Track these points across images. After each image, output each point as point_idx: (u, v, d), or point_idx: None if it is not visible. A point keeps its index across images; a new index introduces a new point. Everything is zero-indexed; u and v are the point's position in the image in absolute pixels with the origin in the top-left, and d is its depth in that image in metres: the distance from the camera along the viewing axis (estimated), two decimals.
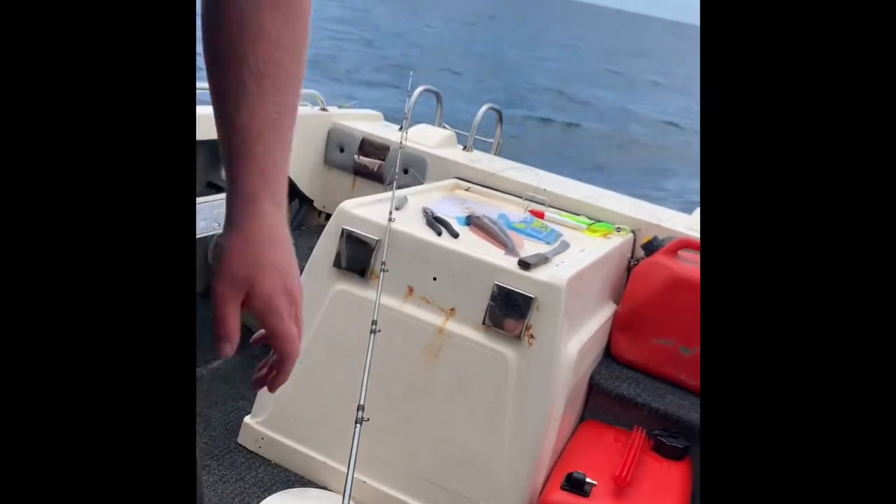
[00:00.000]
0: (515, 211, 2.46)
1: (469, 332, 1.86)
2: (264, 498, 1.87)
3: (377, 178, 2.87)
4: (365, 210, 2.00)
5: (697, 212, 2.63)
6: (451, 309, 1.89)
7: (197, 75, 0.87)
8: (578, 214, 2.54)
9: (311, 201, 2.99)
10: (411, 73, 2.71)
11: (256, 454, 2.03)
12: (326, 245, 1.99)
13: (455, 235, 1.97)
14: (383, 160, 2.85)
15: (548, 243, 2.15)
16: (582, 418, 2.26)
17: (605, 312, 2.32)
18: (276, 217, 0.91)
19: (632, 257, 2.51)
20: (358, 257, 1.95)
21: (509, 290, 1.81)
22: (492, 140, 3.36)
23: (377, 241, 1.92)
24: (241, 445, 2.04)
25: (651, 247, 2.41)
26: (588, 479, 1.77)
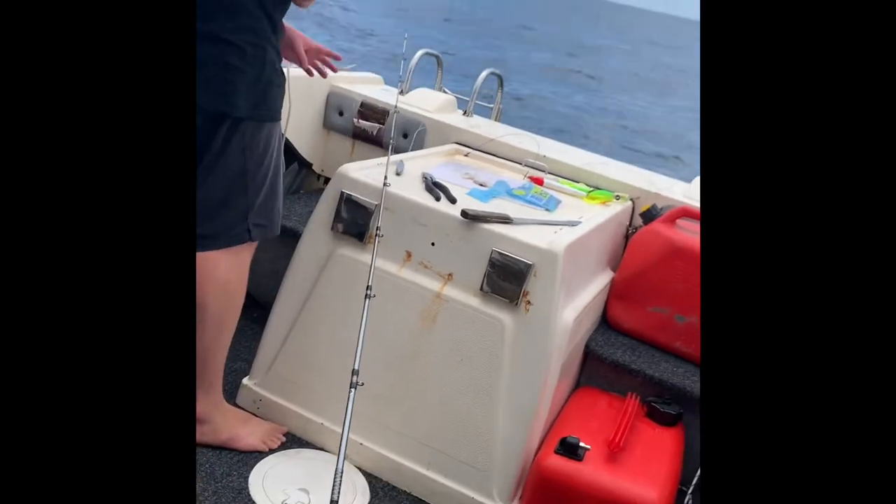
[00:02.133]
0: (514, 177, 2.45)
1: (466, 297, 1.87)
2: (261, 459, 1.90)
3: (376, 142, 2.86)
4: (364, 174, 1.99)
5: (696, 181, 2.62)
6: (449, 274, 1.89)
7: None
8: (577, 181, 2.53)
9: (310, 165, 2.98)
10: (406, 36, 2.68)
11: (254, 415, 2.05)
12: (325, 208, 1.99)
13: (453, 201, 1.96)
14: (382, 124, 2.83)
15: (547, 210, 2.15)
16: (577, 384, 2.28)
17: (603, 280, 2.33)
18: None
19: (630, 225, 2.52)
20: (356, 221, 1.95)
21: (507, 256, 1.82)
22: (492, 105, 3.34)
23: (376, 205, 1.92)
24: (239, 406, 2.06)
25: (649, 215, 2.41)
26: (582, 444, 1.79)
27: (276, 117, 1.81)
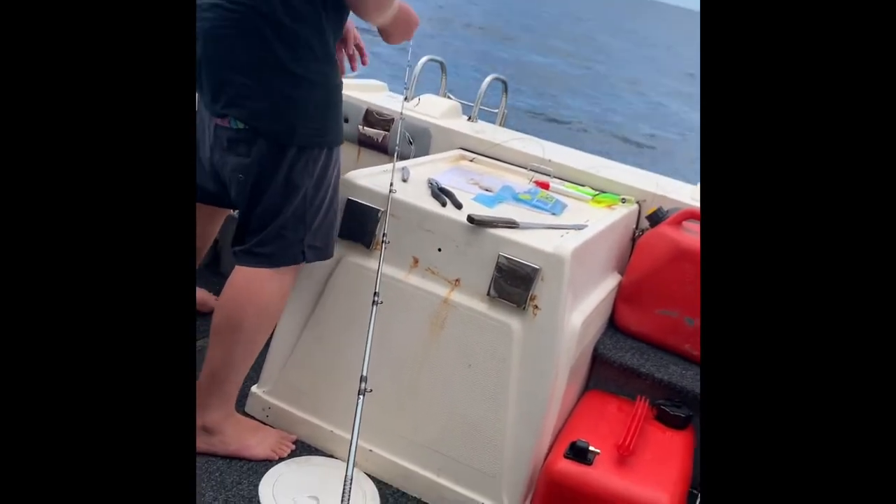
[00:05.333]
0: (520, 182, 2.45)
1: (474, 302, 1.87)
2: (271, 467, 1.90)
3: (382, 149, 2.86)
4: (370, 181, 2.00)
5: None
6: (457, 280, 1.90)
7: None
8: (583, 185, 2.53)
9: None
10: (410, 43, 2.69)
11: (263, 423, 2.05)
12: None
13: (459, 206, 1.97)
14: (388, 131, 2.84)
15: (553, 214, 2.15)
16: (586, 388, 2.28)
17: (610, 283, 2.32)
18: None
19: (636, 228, 2.51)
20: (363, 228, 1.96)
21: (514, 260, 1.82)
22: (496, 110, 3.35)
23: (382, 211, 1.92)
24: (248, 415, 2.06)
25: (656, 218, 2.41)
26: (591, 448, 1.79)
27: (338, 141, 1.83)
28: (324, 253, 1.89)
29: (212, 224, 2.14)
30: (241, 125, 1.68)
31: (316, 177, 1.78)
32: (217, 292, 2.42)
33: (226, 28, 1.63)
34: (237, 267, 1.81)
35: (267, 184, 1.73)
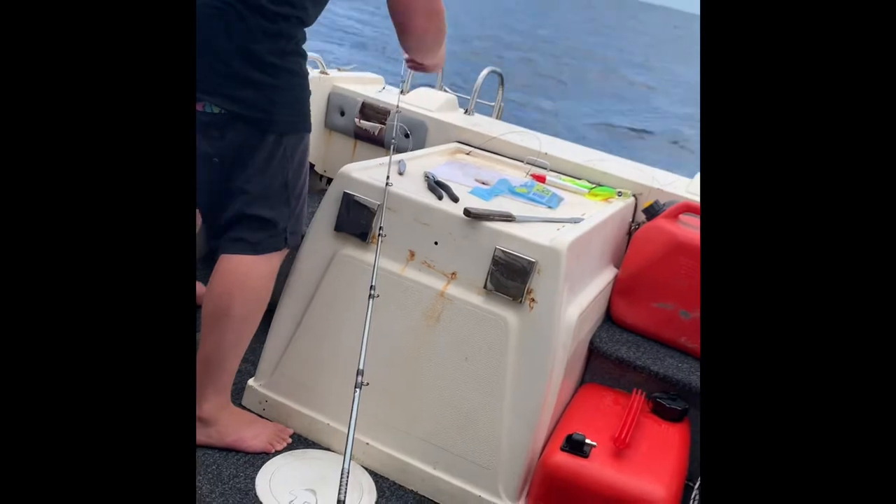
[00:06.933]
0: (517, 175, 2.45)
1: (470, 296, 1.87)
2: (268, 460, 1.90)
3: (378, 142, 2.86)
4: (366, 174, 1.99)
5: (699, 176, 2.62)
6: (453, 273, 1.90)
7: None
8: (580, 178, 2.53)
9: (313, 165, 2.98)
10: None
11: (260, 416, 2.05)
12: (328, 209, 1.99)
13: (456, 199, 1.97)
14: (384, 124, 2.83)
15: (550, 207, 2.15)
16: (582, 381, 2.28)
17: (606, 276, 2.33)
18: None
19: (633, 221, 2.52)
20: (359, 221, 1.96)
21: (511, 254, 1.82)
22: (493, 104, 3.34)
23: (378, 204, 1.92)
24: (245, 408, 2.06)
25: (652, 211, 2.41)
26: (588, 441, 1.79)
27: (310, 128, 1.86)
28: (298, 237, 1.93)
29: None
30: (217, 109, 1.69)
31: (296, 162, 1.81)
32: None
33: (209, 17, 1.63)
34: (223, 255, 1.82)
35: (245, 169, 1.75)
